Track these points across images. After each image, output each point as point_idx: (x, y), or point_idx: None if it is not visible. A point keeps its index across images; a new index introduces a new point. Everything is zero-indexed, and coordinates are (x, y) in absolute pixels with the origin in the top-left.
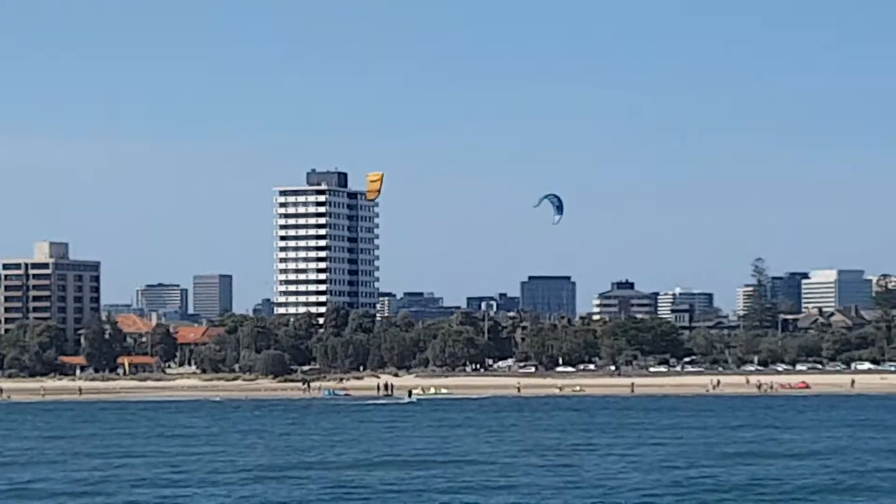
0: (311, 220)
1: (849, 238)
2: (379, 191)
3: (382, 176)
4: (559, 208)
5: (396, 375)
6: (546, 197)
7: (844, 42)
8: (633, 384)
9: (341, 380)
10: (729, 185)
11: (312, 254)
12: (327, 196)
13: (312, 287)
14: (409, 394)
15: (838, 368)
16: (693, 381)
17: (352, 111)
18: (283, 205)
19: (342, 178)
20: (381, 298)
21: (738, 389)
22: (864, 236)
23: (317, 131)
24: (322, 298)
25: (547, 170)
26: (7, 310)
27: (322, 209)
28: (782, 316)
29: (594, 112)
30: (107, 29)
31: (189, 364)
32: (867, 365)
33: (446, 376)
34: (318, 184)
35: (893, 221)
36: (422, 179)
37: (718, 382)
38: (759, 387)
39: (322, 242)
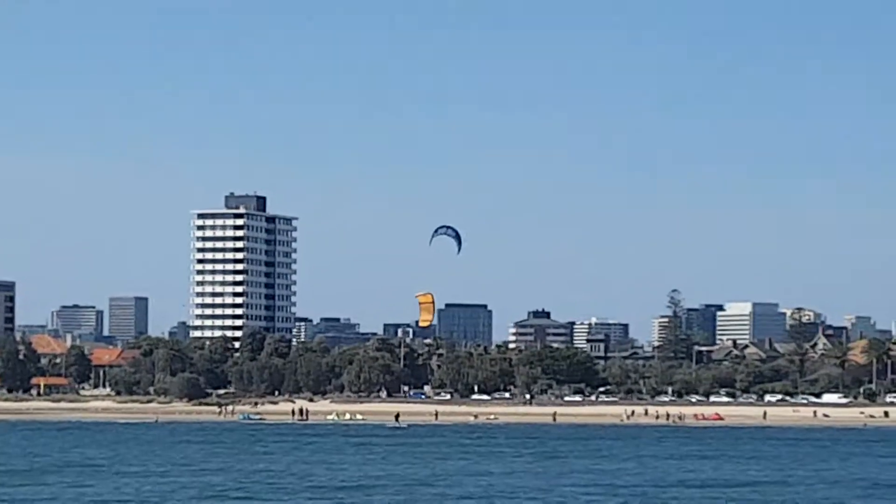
0: (229, 244)
1: (764, 271)
2: (431, 319)
3: (433, 300)
4: (456, 239)
5: (312, 400)
6: (439, 232)
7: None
8: (555, 413)
9: (256, 404)
10: (645, 217)
11: (229, 277)
12: (245, 220)
13: (229, 311)
14: (397, 417)
15: (751, 400)
16: (608, 411)
17: (272, 135)
18: (200, 227)
19: (261, 201)
20: (297, 323)
21: (651, 420)
22: (779, 269)
23: (236, 154)
24: (238, 322)
25: (465, 197)
26: None
27: (240, 233)
28: (697, 347)
29: (512, 140)
30: (20, 47)
31: (104, 386)
32: (780, 397)
33: (361, 402)
34: (237, 207)
35: (808, 255)
36: (340, 205)
37: (633, 413)
38: (668, 417)
39: (239, 266)
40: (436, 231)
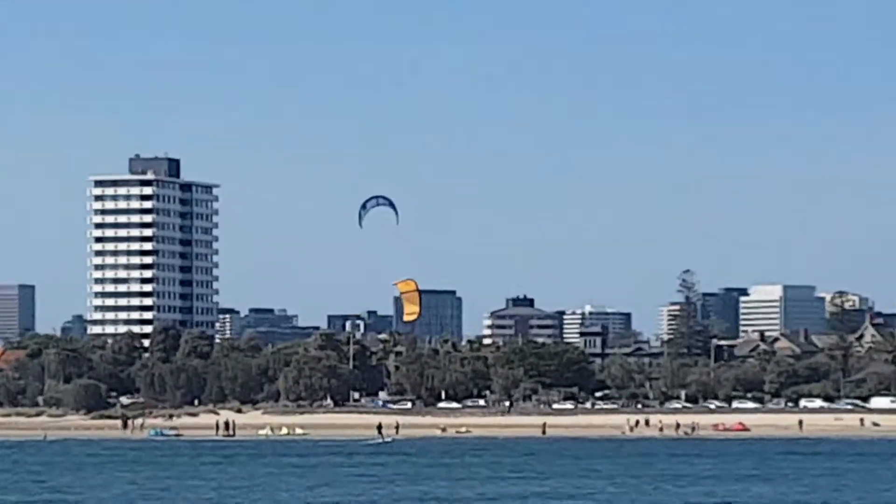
0: (135, 218)
1: (797, 247)
2: (419, 311)
3: (417, 287)
4: (391, 207)
5: (240, 411)
6: (368, 207)
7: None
8: (545, 425)
9: (171, 416)
10: (650, 184)
11: (136, 260)
12: (154, 188)
13: (135, 301)
14: (379, 429)
15: (783, 406)
16: (606, 421)
17: (185, 84)
18: (98, 198)
19: (173, 165)
20: (220, 316)
21: (657, 432)
22: (816, 245)
23: (141, 109)
24: (147, 315)
25: (428, 164)
26: None
27: (148, 204)
28: (716, 342)
29: (485, 101)
30: None
31: None
32: (818, 402)
33: (301, 413)
34: (143, 172)
35: (850, 228)
36: (272, 169)
37: (637, 423)
38: (678, 428)
39: (148, 246)
40: (363, 206)
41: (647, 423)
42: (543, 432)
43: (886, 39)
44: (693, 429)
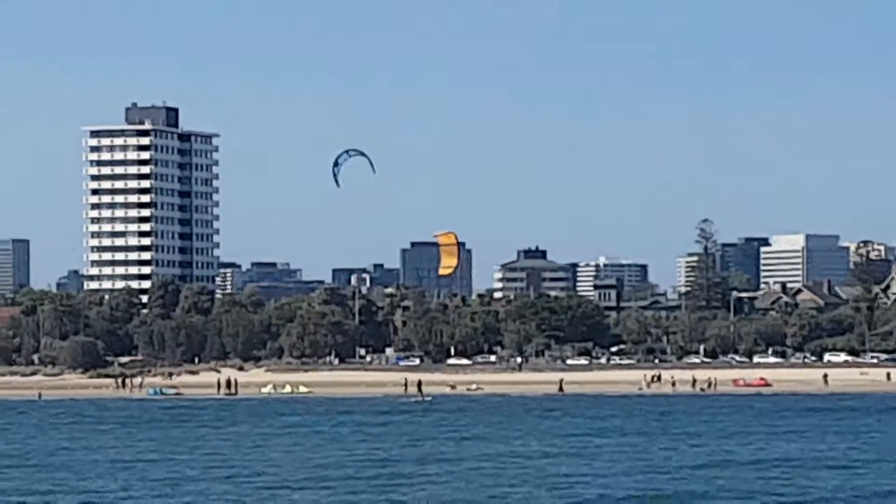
0: (132, 170)
1: (820, 195)
2: (457, 264)
3: (456, 240)
4: (364, 156)
5: (242, 369)
6: (340, 162)
7: None
8: (562, 381)
9: (170, 375)
10: (664, 130)
11: (133, 212)
12: (152, 138)
13: (133, 255)
14: (419, 387)
15: (807, 360)
16: (623, 377)
17: (184, 29)
18: (94, 149)
19: (172, 114)
20: (221, 270)
21: (674, 388)
22: (839, 193)
23: (139, 55)
24: (146, 270)
25: (432, 110)
26: None
27: (145, 155)
28: (736, 294)
29: (498, 53)
30: None
31: None
32: (843, 356)
33: (306, 370)
34: (141, 122)
35: (874, 173)
36: (273, 117)
37: (655, 378)
38: (694, 384)
39: (146, 198)
40: (336, 164)
41: (659, 378)
42: (560, 389)
43: None
44: (710, 385)
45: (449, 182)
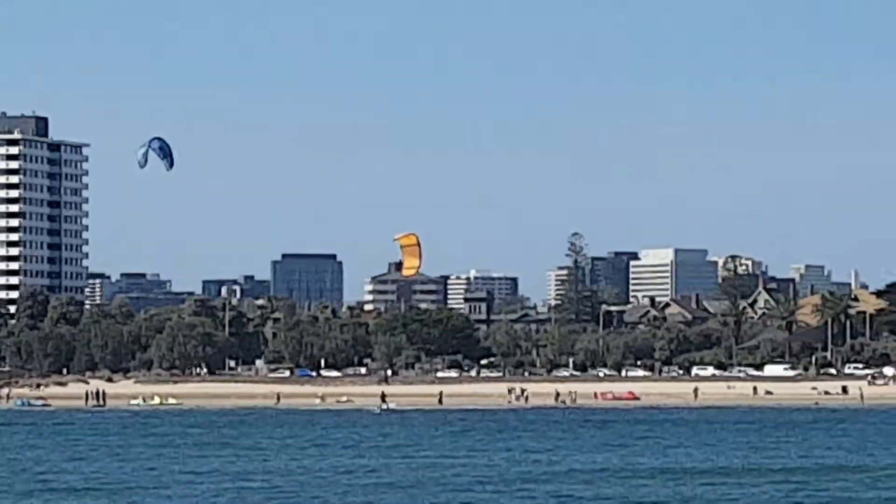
0: (0, 179)
1: (688, 210)
2: (419, 265)
3: (418, 241)
4: (164, 153)
5: (111, 380)
6: (149, 148)
7: None
8: (441, 393)
9: (38, 385)
10: (534, 143)
11: (1, 222)
12: (21, 147)
13: (1, 265)
14: (383, 398)
15: (675, 374)
16: (492, 390)
17: (53, 39)
18: None
19: (41, 123)
20: (90, 281)
21: (541, 401)
22: (707, 208)
23: (7, 66)
24: (13, 280)
25: (307, 119)
26: None
27: (14, 164)
28: (605, 307)
29: (362, 44)
30: None
31: None
32: (711, 370)
33: (175, 382)
34: (10, 131)
35: (743, 191)
36: (144, 127)
37: (523, 392)
38: (557, 397)
39: (14, 207)
40: (148, 145)
41: (524, 392)
42: (440, 402)
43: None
44: (573, 399)
45: (320, 194)
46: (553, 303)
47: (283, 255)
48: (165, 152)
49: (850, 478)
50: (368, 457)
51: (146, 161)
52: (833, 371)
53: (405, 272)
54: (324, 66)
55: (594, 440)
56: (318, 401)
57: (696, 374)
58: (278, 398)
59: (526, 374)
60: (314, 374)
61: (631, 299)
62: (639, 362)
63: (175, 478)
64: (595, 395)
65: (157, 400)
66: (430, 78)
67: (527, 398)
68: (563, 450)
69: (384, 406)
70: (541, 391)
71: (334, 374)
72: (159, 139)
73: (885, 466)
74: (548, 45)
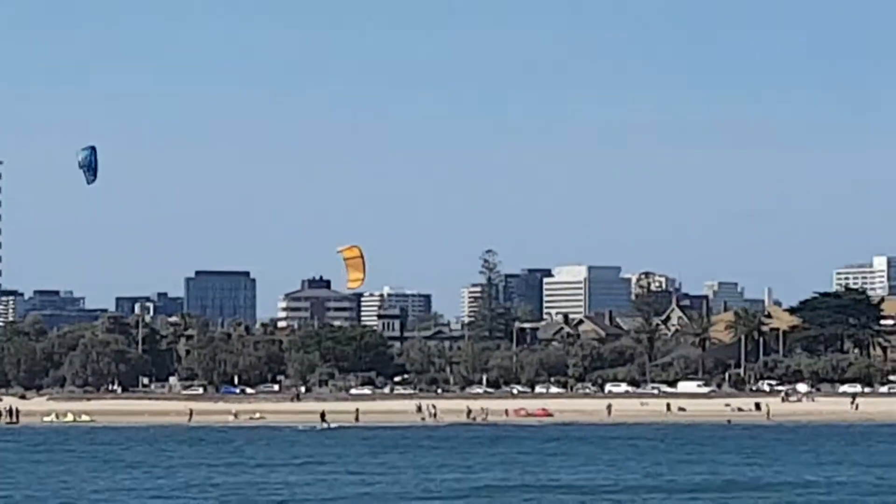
0: None
1: (602, 226)
2: (363, 277)
3: (361, 253)
4: (89, 167)
5: (24, 397)
6: (86, 155)
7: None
8: (357, 410)
9: None
10: (450, 160)
11: None
12: None
13: None
14: (323, 417)
15: (588, 391)
16: (407, 406)
17: None
18: None
19: None
20: (3, 298)
21: (459, 417)
22: (620, 226)
23: None
24: None
25: (222, 134)
26: None
27: None
28: (518, 324)
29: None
30: None
31: None
32: (624, 387)
33: (89, 399)
34: None
35: (655, 208)
36: (57, 144)
37: (434, 410)
38: (469, 414)
39: None
40: (91, 151)
41: (434, 409)
42: (357, 419)
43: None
44: (486, 415)
45: (233, 211)
46: (466, 320)
47: (197, 272)
48: (92, 166)
49: (751, 495)
50: (280, 473)
51: (85, 164)
52: (746, 388)
53: (350, 285)
54: (232, 81)
55: (497, 457)
56: (231, 418)
57: (610, 391)
58: (191, 415)
59: (439, 390)
60: (238, 391)
61: (544, 316)
62: (552, 379)
63: (87, 496)
64: (506, 412)
65: (70, 417)
66: (343, 94)
67: (435, 415)
68: (463, 467)
69: (324, 425)
70: (454, 408)
71: (248, 391)
72: (92, 150)
73: (782, 483)
74: (437, 68)
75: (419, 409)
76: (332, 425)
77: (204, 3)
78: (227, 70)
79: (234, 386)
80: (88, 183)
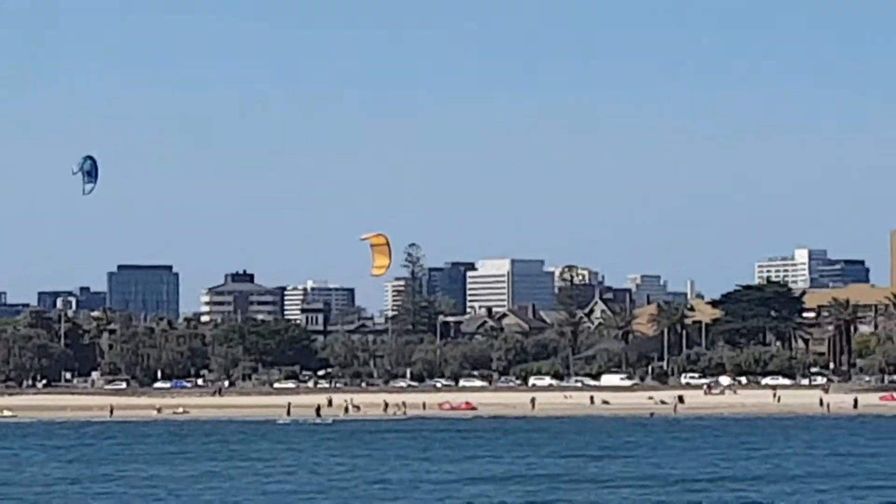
0: None
1: (524, 220)
2: (389, 264)
3: (387, 240)
4: (90, 174)
5: None
6: (87, 162)
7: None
8: (289, 404)
9: None
10: (372, 153)
11: None
12: None
13: None
14: (318, 411)
15: (512, 384)
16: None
17: None
18: None
19: None
20: None
21: (377, 411)
22: (543, 219)
23: None
24: None
25: (145, 129)
26: None
27: None
28: (442, 318)
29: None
30: None
31: None
32: (548, 380)
33: (10, 394)
34: None
35: (578, 201)
36: None
37: (352, 403)
38: (386, 408)
39: None
40: (93, 163)
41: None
42: (288, 413)
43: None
44: (404, 409)
45: (155, 205)
46: (390, 313)
47: (119, 267)
48: (93, 175)
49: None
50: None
51: (80, 171)
52: (670, 380)
53: (376, 271)
54: (162, 77)
55: (410, 451)
56: (155, 412)
57: (534, 384)
58: (111, 410)
59: (363, 384)
60: (189, 384)
61: (468, 309)
62: (476, 372)
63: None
64: (423, 405)
65: None
66: (277, 86)
67: (349, 409)
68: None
69: (319, 419)
70: (376, 402)
71: (170, 385)
72: (91, 160)
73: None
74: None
75: (330, 403)
76: (328, 420)
77: None
78: (144, 65)
79: (183, 380)
80: (85, 193)
